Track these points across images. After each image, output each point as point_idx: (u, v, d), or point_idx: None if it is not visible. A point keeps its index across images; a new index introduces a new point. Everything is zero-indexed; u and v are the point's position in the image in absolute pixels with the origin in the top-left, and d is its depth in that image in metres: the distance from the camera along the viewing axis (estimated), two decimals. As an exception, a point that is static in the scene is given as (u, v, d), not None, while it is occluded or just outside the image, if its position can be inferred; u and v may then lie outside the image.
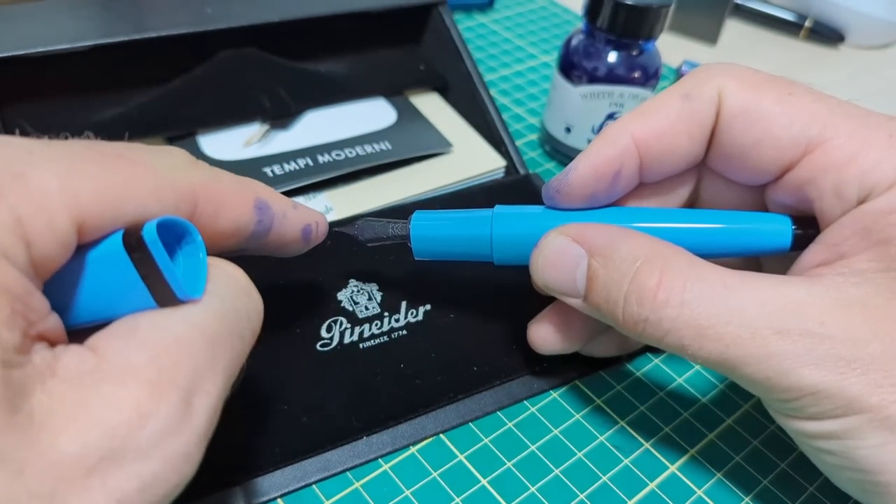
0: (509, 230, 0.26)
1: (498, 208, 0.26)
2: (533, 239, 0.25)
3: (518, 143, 0.45)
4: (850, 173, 0.22)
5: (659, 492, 0.26)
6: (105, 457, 0.15)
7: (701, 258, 0.22)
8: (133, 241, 0.17)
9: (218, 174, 0.21)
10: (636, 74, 0.39)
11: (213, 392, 0.17)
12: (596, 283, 0.23)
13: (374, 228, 0.28)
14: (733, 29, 0.61)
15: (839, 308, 0.20)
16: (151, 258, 0.16)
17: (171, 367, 0.16)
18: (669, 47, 0.56)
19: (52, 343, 0.16)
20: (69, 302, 0.18)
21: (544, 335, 0.28)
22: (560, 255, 0.24)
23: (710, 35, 0.58)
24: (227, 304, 0.18)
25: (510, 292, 0.31)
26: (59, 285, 0.17)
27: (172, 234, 0.18)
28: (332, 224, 0.31)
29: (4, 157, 0.16)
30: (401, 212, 0.35)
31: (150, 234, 0.16)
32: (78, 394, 0.15)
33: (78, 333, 0.17)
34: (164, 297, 0.17)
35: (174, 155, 0.20)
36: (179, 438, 0.16)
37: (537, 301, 0.29)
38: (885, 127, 0.22)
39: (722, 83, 0.24)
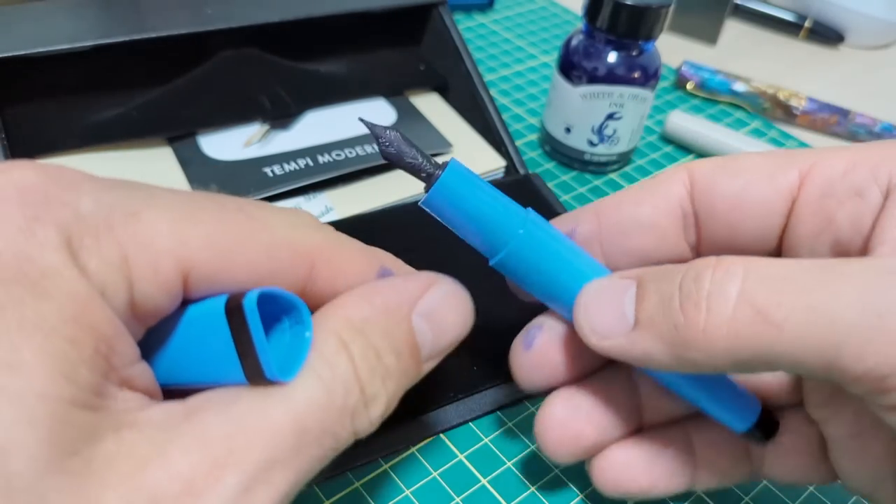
0: (531, 251, 0.22)
1: (531, 218, 0.22)
2: (547, 275, 0.22)
3: (518, 143, 0.45)
4: (860, 175, 0.20)
5: (659, 492, 0.26)
6: None
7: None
8: (234, 306, 0.16)
9: (342, 239, 0.19)
10: (636, 75, 0.39)
11: (281, 487, 0.15)
12: (646, 298, 0.19)
13: (402, 146, 0.22)
14: (733, 29, 0.61)
15: None
16: (247, 327, 0.15)
17: (243, 448, 0.15)
18: (669, 47, 0.56)
19: (145, 394, 0.16)
20: (165, 357, 0.17)
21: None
22: (605, 289, 0.21)
23: (710, 35, 0.58)
24: (335, 398, 0.16)
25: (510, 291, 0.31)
26: (157, 338, 0.17)
27: (282, 307, 0.17)
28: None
29: (123, 196, 0.16)
30: (401, 212, 0.35)
31: (249, 302, 0.15)
32: (146, 449, 0.14)
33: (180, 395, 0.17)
34: (253, 372, 0.16)
35: (298, 215, 0.19)
36: None
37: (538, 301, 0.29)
38: (860, 145, 0.21)
39: (688, 164, 0.22)
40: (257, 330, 0.15)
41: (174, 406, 0.15)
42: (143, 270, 0.15)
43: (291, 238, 0.18)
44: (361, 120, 0.21)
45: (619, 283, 0.20)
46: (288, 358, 0.16)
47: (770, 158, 0.21)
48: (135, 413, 0.15)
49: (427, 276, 0.20)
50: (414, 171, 0.22)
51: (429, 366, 0.20)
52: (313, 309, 0.18)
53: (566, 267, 0.22)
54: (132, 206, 0.16)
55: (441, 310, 0.19)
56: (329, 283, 0.19)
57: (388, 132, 0.22)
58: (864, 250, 0.19)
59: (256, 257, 0.17)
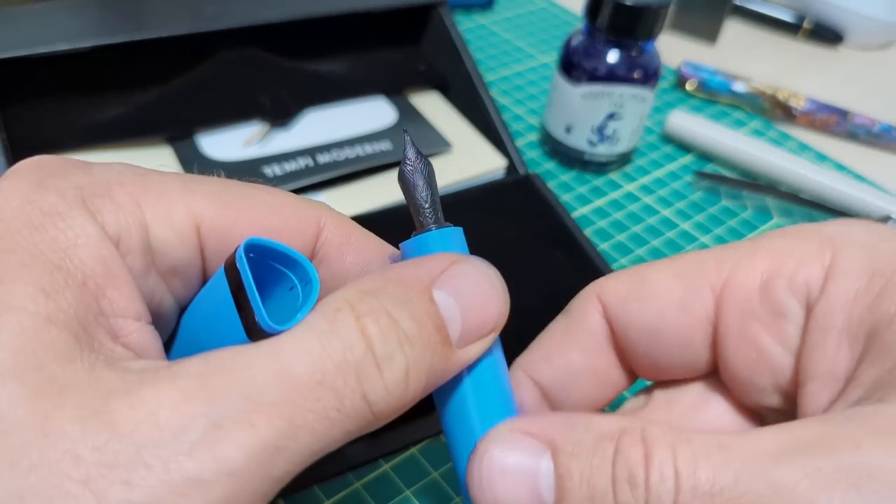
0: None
1: None
2: (460, 401, 0.18)
3: (518, 143, 0.45)
4: (777, 292, 0.18)
5: (659, 491, 0.26)
6: (97, 448, 0.13)
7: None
8: (230, 260, 0.16)
9: (352, 222, 0.20)
10: (636, 74, 0.39)
11: (264, 433, 0.14)
12: (571, 480, 0.16)
13: (420, 181, 0.20)
14: (733, 29, 0.61)
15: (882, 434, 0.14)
16: (240, 277, 0.15)
17: (217, 384, 0.14)
18: (669, 47, 0.56)
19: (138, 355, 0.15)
20: (187, 340, 0.17)
21: None
22: (509, 460, 0.16)
23: (709, 35, 0.58)
24: (331, 349, 0.15)
25: (510, 290, 0.31)
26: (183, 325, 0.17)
27: (293, 269, 0.17)
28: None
29: (133, 167, 0.17)
30: (401, 212, 0.35)
31: (240, 249, 0.15)
32: (114, 384, 0.14)
33: None
34: (250, 322, 0.15)
35: (308, 199, 0.20)
36: (192, 462, 0.13)
37: (539, 300, 0.29)
38: (759, 240, 0.19)
39: (597, 288, 0.21)
40: (246, 276, 0.15)
41: (161, 362, 0.15)
42: (156, 213, 0.16)
43: (296, 202, 0.19)
44: (405, 132, 0.20)
45: (528, 447, 0.16)
46: (291, 314, 0.16)
47: (679, 278, 0.19)
48: (117, 361, 0.14)
49: (448, 254, 0.18)
50: (414, 210, 0.20)
51: (466, 353, 0.17)
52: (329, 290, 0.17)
53: (478, 392, 0.18)
54: (140, 171, 0.17)
55: (466, 286, 0.17)
56: (338, 249, 0.19)
57: (420, 159, 0.20)
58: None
59: (261, 211, 0.18)
